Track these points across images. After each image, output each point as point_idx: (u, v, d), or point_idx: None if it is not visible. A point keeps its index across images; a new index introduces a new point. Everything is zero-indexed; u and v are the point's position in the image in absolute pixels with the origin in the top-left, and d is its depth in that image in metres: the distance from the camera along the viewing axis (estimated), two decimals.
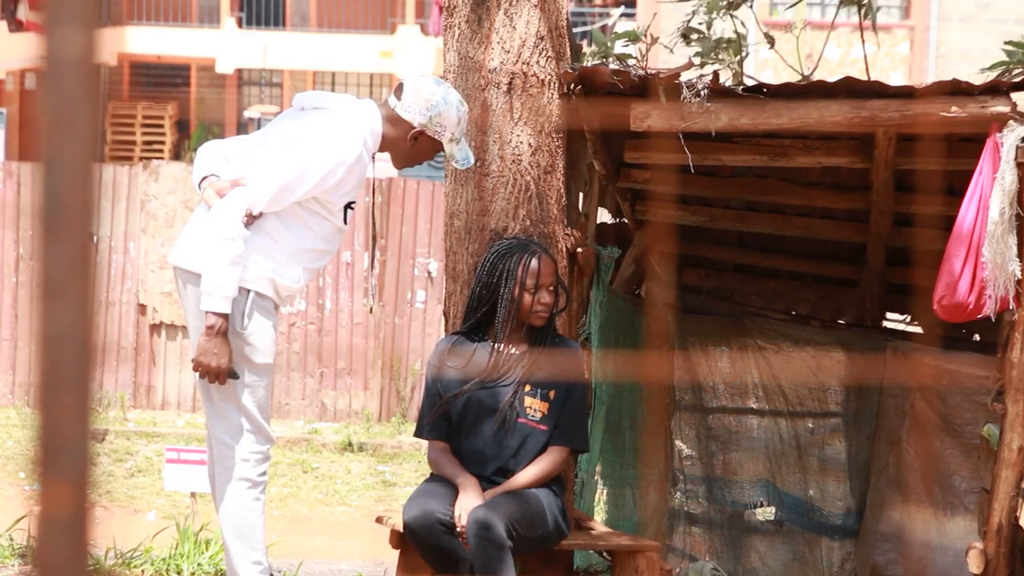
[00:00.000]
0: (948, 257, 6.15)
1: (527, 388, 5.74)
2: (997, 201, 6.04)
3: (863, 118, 6.31)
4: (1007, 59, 6.49)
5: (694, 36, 6.80)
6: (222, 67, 33.49)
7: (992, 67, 6.64)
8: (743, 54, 6.81)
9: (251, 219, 5.33)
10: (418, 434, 5.88)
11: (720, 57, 6.70)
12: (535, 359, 5.76)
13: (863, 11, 7.02)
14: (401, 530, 5.63)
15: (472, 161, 5.74)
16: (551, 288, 5.76)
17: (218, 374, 5.27)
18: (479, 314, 5.79)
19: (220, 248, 5.23)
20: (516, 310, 5.72)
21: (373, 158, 5.61)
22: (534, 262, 5.73)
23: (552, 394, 5.76)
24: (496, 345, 5.75)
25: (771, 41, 6.91)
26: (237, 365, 5.37)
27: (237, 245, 5.25)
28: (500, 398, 5.71)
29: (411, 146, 5.63)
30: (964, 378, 7.43)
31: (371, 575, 8.42)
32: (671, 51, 6.73)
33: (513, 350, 5.77)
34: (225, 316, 5.25)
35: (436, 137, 5.60)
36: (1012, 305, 6.08)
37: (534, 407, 5.74)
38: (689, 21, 6.83)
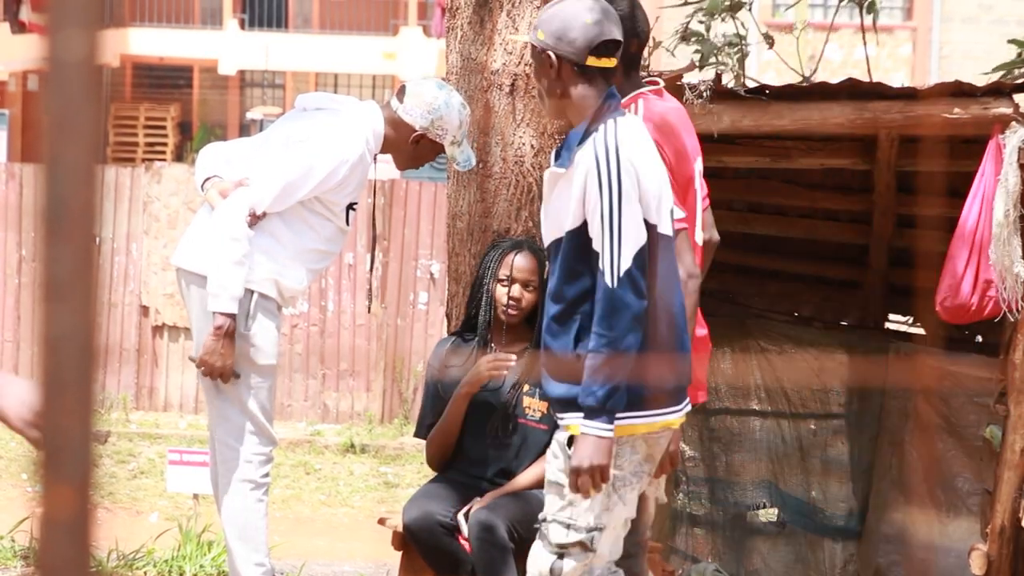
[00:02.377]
0: (951, 258, 6.15)
1: (525, 388, 5.73)
2: (1001, 203, 6.04)
3: (865, 120, 6.31)
4: (1011, 59, 6.50)
5: (693, 38, 6.81)
6: (224, 68, 33.51)
7: (996, 69, 6.65)
8: (744, 54, 6.81)
9: (255, 219, 5.33)
10: (418, 434, 5.88)
11: (721, 59, 6.70)
12: (534, 358, 5.74)
13: (869, 10, 7.02)
14: (401, 531, 5.63)
15: (474, 163, 5.75)
16: (528, 285, 5.69)
17: (222, 373, 5.29)
18: (471, 312, 5.79)
19: (225, 248, 5.24)
20: (491, 304, 5.69)
21: (375, 159, 5.62)
22: (511, 255, 5.69)
23: None
24: (479, 342, 5.72)
25: (771, 41, 6.91)
26: (239, 366, 5.37)
27: (242, 245, 5.25)
28: (499, 399, 5.71)
29: (412, 148, 5.64)
30: (967, 380, 7.43)
31: None
32: (672, 54, 6.73)
33: (512, 349, 5.76)
34: (233, 316, 5.26)
35: (437, 140, 5.61)
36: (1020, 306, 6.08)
37: (533, 407, 5.73)
38: (688, 23, 6.83)
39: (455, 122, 5.60)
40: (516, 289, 5.66)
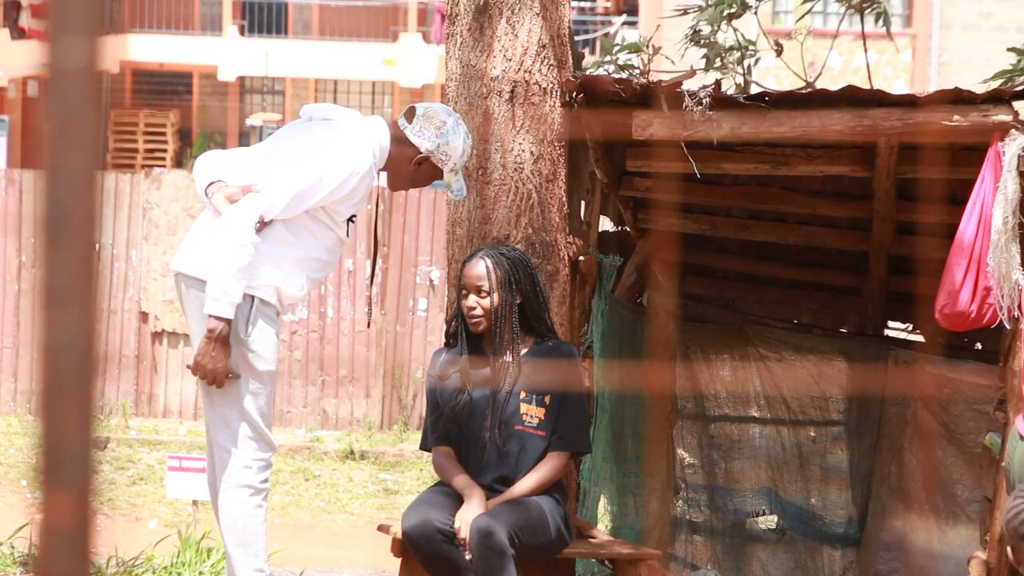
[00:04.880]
0: (949, 267, 6.15)
1: (522, 395, 5.73)
2: (1000, 211, 6.04)
3: (865, 127, 6.31)
4: (1011, 67, 6.50)
5: (703, 41, 6.81)
6: (224, 75, 33.52)
7: (995, 76, 6.66)
8: (751, 60, 6.81)
9: (262, 226, 5.34)
10: (424, 447, 5.88)
11: (727, 63, 6.71)
12: (529, 365, 5.75)
13: (878, 18, 7.02)
14: (401, 538, 5.63)
15: (465, 194, 5.79)
16: (480, 291, 5.71)
17: (215, 376, 5.29)
18: (451, 323, 5.86)
19: (231, 253, 5.24)
20: (460, 315, 5.76)
21: (378, 173, 5.65)
22: (465, 265, 5.75)
23: (548, 399, 5.75)
24: (460, 351, 5.75)
25: (779, 50, 6.91)
26: (239, 371, 5.37)
27: (248, 251, 5.26)
28: (495, 406, 5.71)
29: (413, 170, 5.65)
30: (966, 387, 7.43)
31: None
32: (673, 63, 6.73)
33: (508, 356, 5.76)
34: (228, 321, 5.26)
35: (439, 165, 5.63)
36: (1016, 314, 6.08)
37: (530, 413, 5.74)
38: (694, 29, 6.84)
39: (459, 150, 5.62)
40: (472, 299, 5.71)
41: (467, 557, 5.43)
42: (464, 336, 5.75)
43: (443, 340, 6.24)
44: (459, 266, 5.81)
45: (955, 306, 6.11)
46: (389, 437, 15.80)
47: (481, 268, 5.69)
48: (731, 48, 6.80)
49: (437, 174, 5.67)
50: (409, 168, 5.65)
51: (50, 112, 1.37)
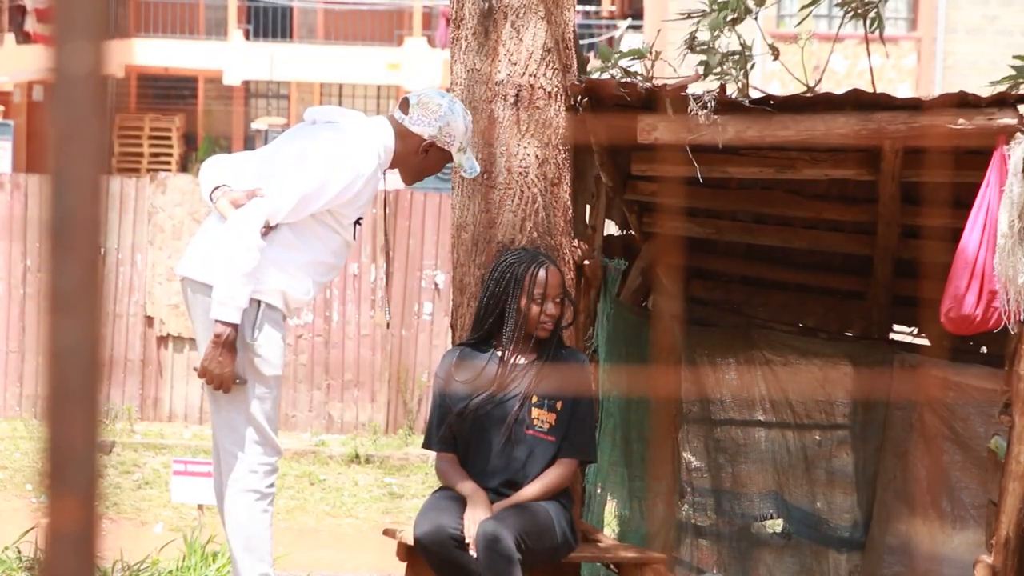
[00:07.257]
0: (954, 271, 6.15)
1: (534, 400, 5.74)
2: (1005, 214, 6.04)
3: (870, 130, 6.31)
4: (1014, 73, 6.50)
5: (700, 47, 6.81)
6: (229, 79, 33.54)
7: (1000, 81, 6.65)
8: (749, 66, 6.81)
9: (267, 230, 5.33)
10: (426, 445, 5.89)
11: (726, 69, 6.71)
12: (542, 370, 5.75)
13: (872, 23, 7.02)
14: (411, 544, 5.63)
15: (478, 170, 5.76)
16: (557, 300, 5.75)
17: (222, 381, 5.28)
18: (486, 324, 5.79)
19: (237, 258, 5.23)
20: (523, 321, 5.71)
21: (384, 174, 5.64)
22: (541, 273, 5.72)
23: (559, 405, 5.76)
24: (503, 356, 5.74)
25: (776, 53, 6.91)
26: (246, 377, 5.37)
27: (254, 256, 5.25)
28: (507, 410, 5.71)
29: (422, 159, 5.64)
30: (972, 390, 7.42)
31: None
32: (675, 69, 6.74)
33: (520, 361, 5.77)
34: (235, 326, 5.26)
35: (446, 148, 5.62)
36: (1022, 318, 6.07)
37: (541, 418, 5.74)
38: (695, 34, 6.84)
39: (461, 127, 5.62)
40: (550, 307, 5.73)
41: (472, 555, 5.43)
42: (513, 338, 5.74)
43: (454, 340, 6.23)
44: (528, 270, 5.76)
45: (960, 310, 6.11)
46: (394, 441, 15.81)
47: (559, 276, 5.80)
48: (729, 54, 6.80)
49: (446, 158, 5.67)
50: (417, 158, 5.64)
51: (55, 116, 1.37)
